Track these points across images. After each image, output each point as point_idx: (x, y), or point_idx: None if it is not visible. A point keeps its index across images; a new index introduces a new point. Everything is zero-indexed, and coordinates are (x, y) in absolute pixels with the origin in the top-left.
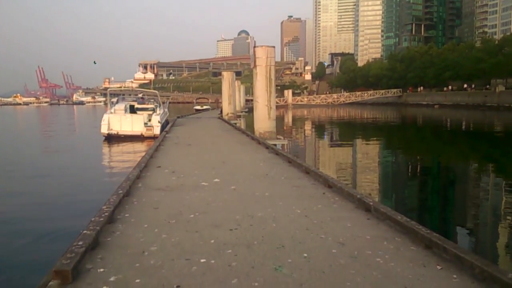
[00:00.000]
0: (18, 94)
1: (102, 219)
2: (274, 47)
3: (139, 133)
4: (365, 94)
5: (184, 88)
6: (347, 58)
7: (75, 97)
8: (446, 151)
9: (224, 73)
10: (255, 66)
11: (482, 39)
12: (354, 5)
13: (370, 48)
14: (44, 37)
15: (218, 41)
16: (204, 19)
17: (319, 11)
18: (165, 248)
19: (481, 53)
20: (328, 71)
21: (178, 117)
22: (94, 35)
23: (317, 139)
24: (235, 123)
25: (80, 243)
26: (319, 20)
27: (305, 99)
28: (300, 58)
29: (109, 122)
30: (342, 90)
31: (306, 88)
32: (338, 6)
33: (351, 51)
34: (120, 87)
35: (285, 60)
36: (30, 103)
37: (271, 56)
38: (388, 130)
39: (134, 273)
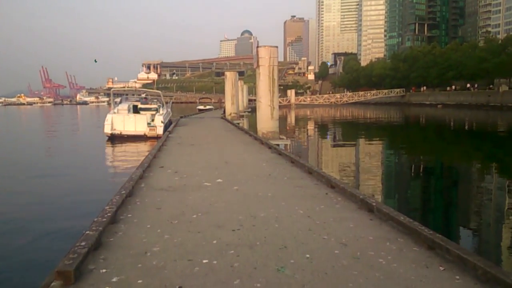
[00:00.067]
0: (22, 94)
1: (104, 219)
2: (277, 47)
3: (142, 133)
4: (368, 94)
5: (187, 88)
6: (350, 58)
7: (79, 97)
8: (449, 151)
9: (227, 73)
10: (258, 66)
11: (485, 39)
12: (357, 4)
13: (373, 48)
14: (48, 38)
15: (221, 41)
16: (207, 19)
17: (322, 11)
18: (167, 249)
19: (485, 52)
20: (331, 71)
21: (181, 117)
22: (97, 35)
23: (320, 139)
24: (238, 123)
25: (83, 243)
26: (322, 20)
27: (308, 99)
28: (303, 58)
29: (112, 122)
30: (345, 90)
31: (309, 88)
32: (341, 5)
33: (354, 51)
34: (124, 87)
35: (288, 60)
36: (34, 103)
37: (274, 56)
38: (391, 130)
39: (137, 273)
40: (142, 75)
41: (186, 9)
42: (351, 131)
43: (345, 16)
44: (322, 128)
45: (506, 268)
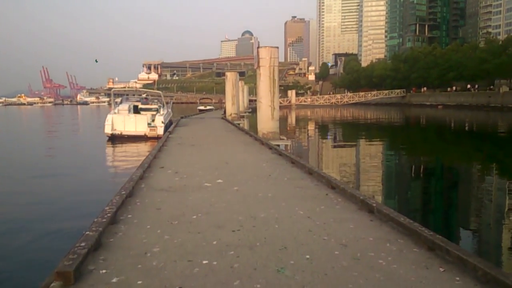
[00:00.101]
0: (23, 94)
1: (104, 220)
2: (277, 47)
3: (142, 134)
4: (369, 95)
5: (188, 88)
6: (351, 59)
7: (79, 97)
8: (449, 152)
9: (228, 74)
10: (258, 66)
11: (486, 40)
12: (358, 5)
13: (373, 48)
14: (49, 38)
15: (221, 41)
16: (208, 19)
17: (323, 12)
18: (167, 249)
19: (485, 53)
20: (331, 71)
21: (182, 118)
22: (98, 36)
23: (320, 140)
24: (239, 124)
25: (83, 244)
26: (323, 21)
27: (309, 99)
28: (303, 59)
29: (113, 122)
30: (346, 91)
31: (309, 88)
32: (342, 6)
33: (355, 52)
34: (124, 87)
35: (288, 60)
36: (34, 103)
37: (275, 56)
38: (391, 131)
39: (137, 274)
40: (143, 75)
41: (187, 10)
42: (351, 131)
43: (346, 17)
44: (323, 129)
45: (506, 269)
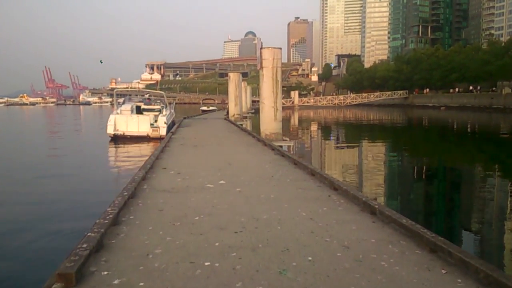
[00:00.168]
0: (25, 94)
1: (106, 221)
2: (280, 48)
3: (145, 134)
4: (372, 96)
5: (191, 89)
6: (354, 60)
7: (82, 97)
8: (452, 153)
9: (231, 74)
10: (261, 67)
11: (488, 41)
12: (361, 6)
13: (376, 49)
14: (51, 38)
15: (225, 42)
16: (211, 20)
17: (326, 13)
18: (169, 251)
19: (488, 55)
20: (334, 72)
21: (185, 118)
22: (101, 36)
23: (323, 141)
24: (241, 124)
25: (84, 245)
26: (326, 22)
27: (312, 100)
28: (306, 60)
29: (115, 123)
30: (349, 92)
31: (312, 89)
32: (345, 7)
33: (358, 53)
34: (127, 87)
35: (291, 61)
36: (37, 103)
37: (278, 57)
38: (394, 132)
39: (138, 276)
40: (146, 75)
41: (190, 10)
42: (354, 132)
43: (349, 18)
44: (325, 130)
45: (508, 272)
